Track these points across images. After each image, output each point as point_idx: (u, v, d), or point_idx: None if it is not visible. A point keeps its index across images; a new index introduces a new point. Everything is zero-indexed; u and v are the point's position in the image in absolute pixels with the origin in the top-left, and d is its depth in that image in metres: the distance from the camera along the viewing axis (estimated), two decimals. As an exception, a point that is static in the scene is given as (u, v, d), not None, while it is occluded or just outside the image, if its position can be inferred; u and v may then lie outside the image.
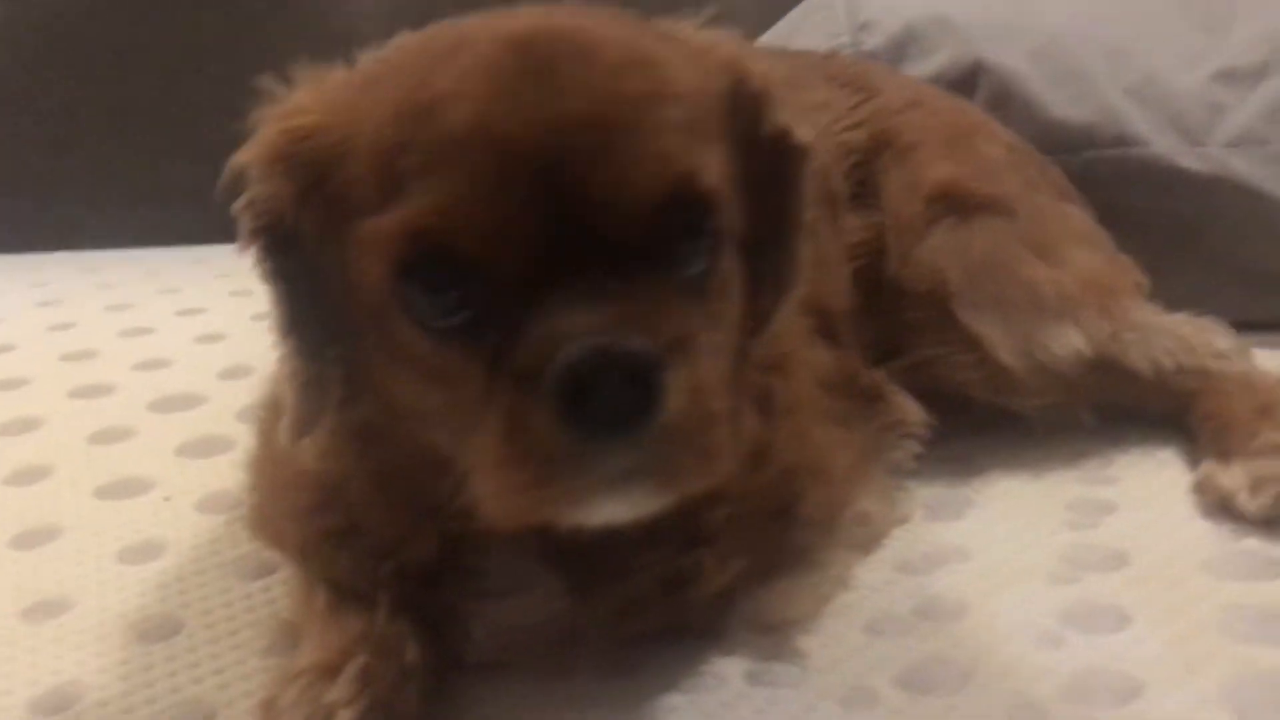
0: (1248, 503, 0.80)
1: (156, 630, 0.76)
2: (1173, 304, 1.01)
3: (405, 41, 0.63)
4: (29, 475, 0.98)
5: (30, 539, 0.88)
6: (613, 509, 0.57)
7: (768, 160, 0.66)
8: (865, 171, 0.96)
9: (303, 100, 0.63)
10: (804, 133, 0.67)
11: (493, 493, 0.57)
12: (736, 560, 0.70)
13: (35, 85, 1.73)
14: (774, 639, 0.72)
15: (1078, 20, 1.18)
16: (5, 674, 0.72)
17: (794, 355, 0.78)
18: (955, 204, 0.94)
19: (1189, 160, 1.10)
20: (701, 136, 0.60)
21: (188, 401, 1.10)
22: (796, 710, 0.66)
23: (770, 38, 1.30)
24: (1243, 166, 1.09)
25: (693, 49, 0.64)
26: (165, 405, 1.09)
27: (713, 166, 0.60)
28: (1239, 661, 0.67)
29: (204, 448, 1.00)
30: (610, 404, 0.52)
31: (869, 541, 0.81)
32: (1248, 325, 1.07)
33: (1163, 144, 1.11)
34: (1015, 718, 0.64)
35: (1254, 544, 0.79)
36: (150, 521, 0.90)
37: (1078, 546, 0.80)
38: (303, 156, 0.61)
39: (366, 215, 0.58)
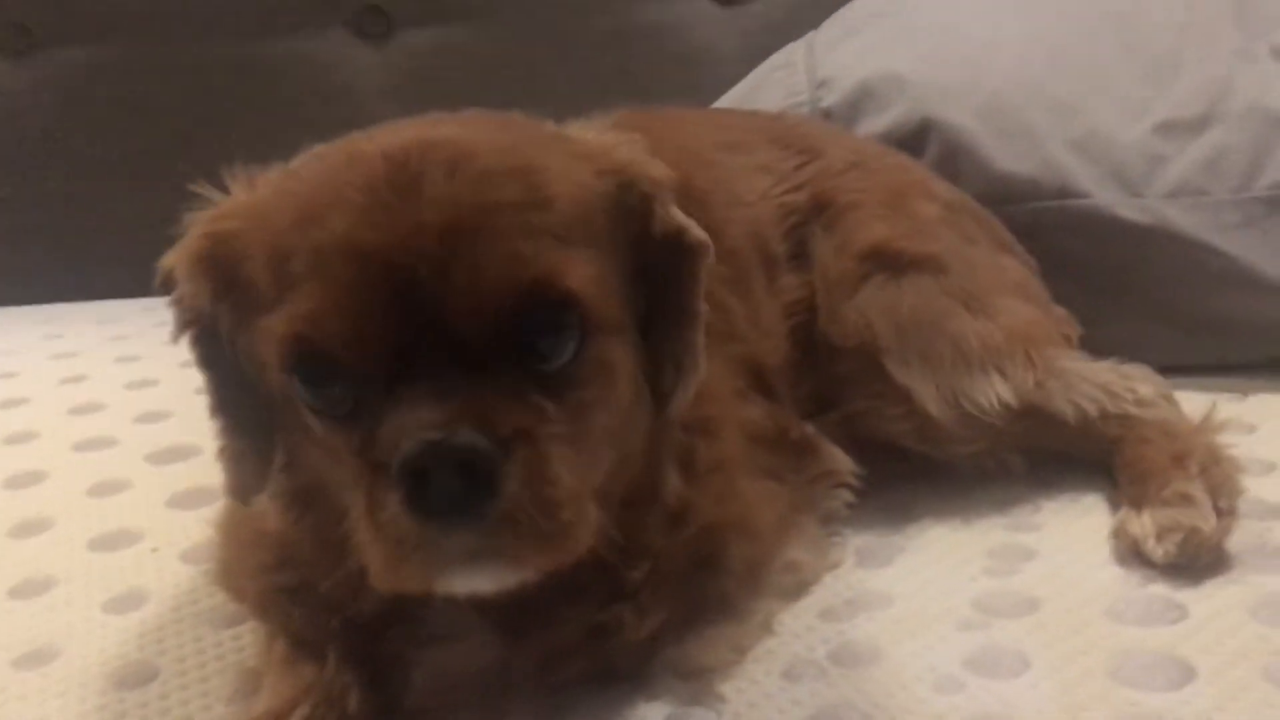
0: (1154, 549, 0.84)
1: (133, 677, 0.83)
2: (1112, 348, 1.06)
3: (318, 151, 0.70)
4: (32, 528, 1.05)
5: (27, 589, 0.95)
6: (468, 583, 0.64)
7: (662, 256, 0.72)
8: (805, 232, 1.02)
9: (224, 207, 0.70)
10: (696, 233, 0.73)
11: (369, 563, 0.63)
12: (656, 613, 0.76)
13: (54, 142, 1.81)
14: (696, 684, 0.77)
15: (1026, 76, 1.23)
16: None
17: (721, 415, 0.84)
18: (886, 262, 0.99)
19: (1128, 211, 1.15)
20: (570, 239, 0.65)
21: (182, 453, 1.16)
22: (706, 752, 0.71)
23: (735, 93, 1.36)
24: (1179, 216, 1.13)
25: (579, 154, 0.70)
26: (161, 457, 1.16)
27: (579, 267, 0.65)
28: (1122, 704, 0.72)
29: (193, 499, 1.07)
30: (445, 493, 0.59)
31: (797, 589, 0.87)
32: (1184, 369, 1.13)
33: (1103, 195, 1.15)
34: (905, 760, 0.69)
35: (1159, 589, 0.83)
36: (136, 572, 0.96)
37: (992, 593, 0.85)
38: (219, 259, 0.68)
39: (264, 312, 0.65)
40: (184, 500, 1.07)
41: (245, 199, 0.70)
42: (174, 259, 0.70)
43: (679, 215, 0.73)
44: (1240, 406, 1.09)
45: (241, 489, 0.73)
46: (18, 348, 1.53)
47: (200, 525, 1.01)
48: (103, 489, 1.11)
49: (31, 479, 1.14)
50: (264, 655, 0.78)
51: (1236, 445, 0.96)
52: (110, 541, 1.01)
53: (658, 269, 0.72)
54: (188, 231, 0.70)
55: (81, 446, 1.21)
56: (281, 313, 0.63)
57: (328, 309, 0.62)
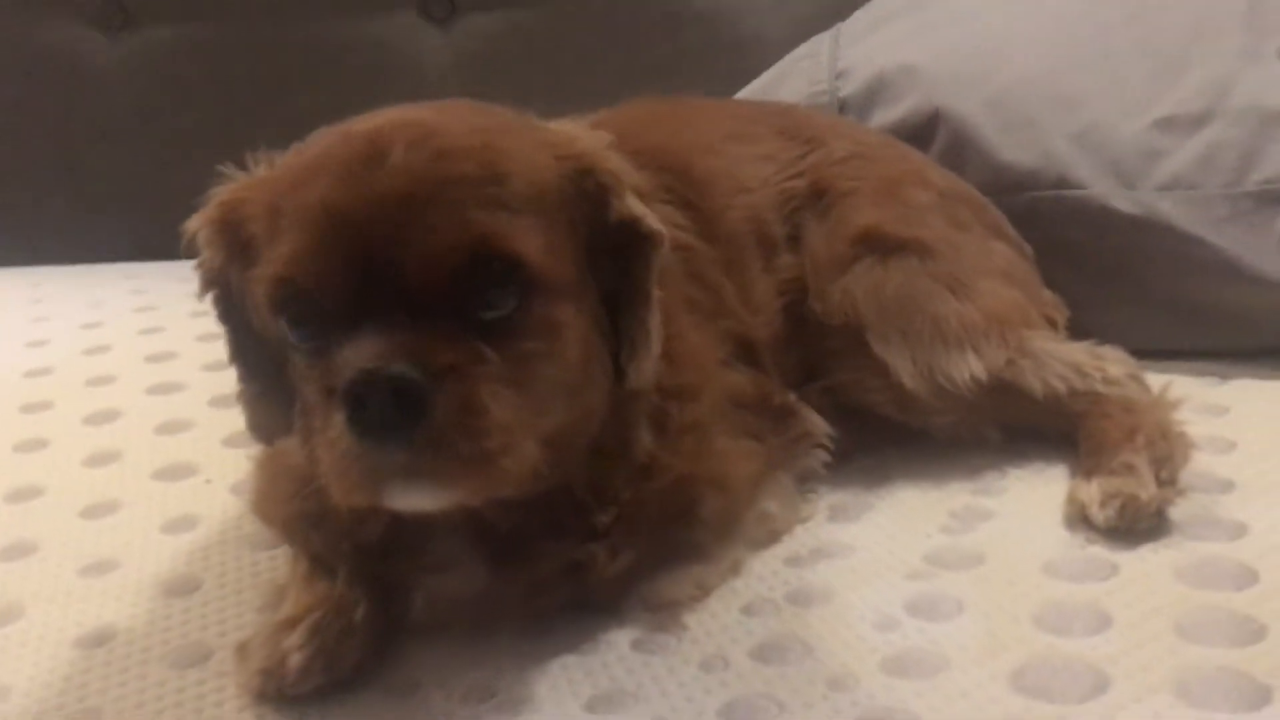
0: (1096, 514, 0.91)
1: (181, 587, 0.95)
2: (1104, 332, 1.12)
3: (322, 131, 0.81)
4: (105, 458, 1.18)
5: (97, 510, 1.08)
6: (407, 499, 0.74)
7: (618, 241, 0.81)
8: (802, 216, 1.10)
9: (239, 181, 0.82)
10: (651, 223, 0.82)
11: (326, 479, 0.74)
12: (627, 553, 0.85)
13: (144, 113, 1.96)
14: (665, 615, 0.87)
15: (1038, 70, 1.29)
16: (59, 617, 0.91)
17: (701, 382, 0.93)
18: (875, 245, 1.06)
19: (1121, 202, 1.20)
20: (520, 210, 0.75)
21: (241, 399, 1.29)
22: (661, 671, 0.80)
23: (761, 80, 1.43)
24: (1171, 209, 1.19)
25: (542, 142, 0.80)
26: (222, 402, 1.27)
27: (524, 233, 0.74)
28: (1040, 647, 0.79)
29: (245, 439, 1.17)
30: (378, 414, 0.69)
31: (769, 539, 0.95)
32: (1170, 353, 1.19)
33: (1098, 187, 1.21)
34: (834, 685, 0.77)
35: (1098, 550, 0.90)
36: (192, 500, 1.09)
37: (944, 548, 0.92)
38: (230, 224, 0.81)
39: (258, 265, 0.77)
40: (237, 440, 1.18)
41: (259, 173, 0.82)
42: (194, 226, 0.83)
43: (636, 206, 0.82)
44: (1218, 390, 1.14)
45: (257, 427, 0.87)
46: (105, 299, 1.68)
47: (249, 462, 1.14)
48: (169, 427, 1.24)
49: (107, 417, 1.28)
50: (290, 572, 0.90)
51: (1194, 423, 1.02)
52: (171, 473, 1.14)
53: (619, 253, 0.81)
54: (208, 203, 0.82)
55: (154, 390, 1.34)
56: (269, 258, 0.75)
57: (302, 254, 0.73)
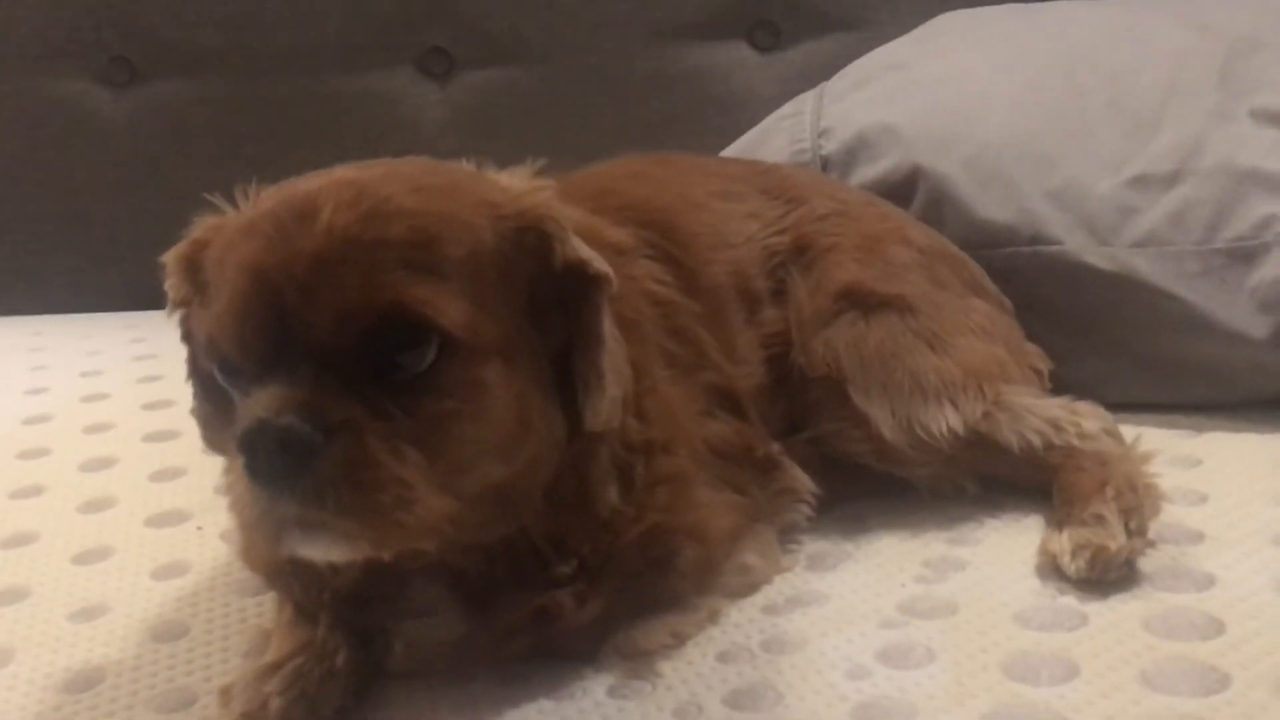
0: (1068, 565, 0.92)
1: (168, 633, 0.96)
2: (1080, 385, 1.15)
3: (280, 184, 0.84)
4: (99, 505, 1.20)
5: (89, 557, 1.10)
6: (306, 549, 0.76)
7: (567, 287, 0.83)
8: (785, 272, 1.13)
9: (209, 221, 0.86)
10: (598, 265, 0.84)
11: (241, 524, 0.78)
12: (595, 602, 0.87)
13: (150, 166, 2.00)
14: (640, 663, 0.88)
15: (1015, 130, 1.32)
16: (47, 660, 0.93)
17: (676, 435, 0.95)
18: (858, 301, 1.08)
19: (1095, 258, 1.23)
20: (441, 274, 0.77)
21: (235, 447, 1.32)
22: (635, 717, 0.82)
23: (747, 138, 1.47)
24: (1145, 265, 1.21)
25: (480, 202, 0.82)
26: (216, 450, 1.31)
27: (441, 298, 0.76)
28: (1006, 695, 0.81)
29: (238, 487, 1.21)
30: (266, 463, 0.72)
31: (748, 590, 0.97)
32: (1149, 407, 1.21)
33: (1073, 243, 1.24)
34: (804, 732, 0.79)
35: (1068, 600, 0.91)
36: (183, 546, 1.11)
37: (918, 598, 0.94)
38: (194, 261, 0.85)
39: (206, 308, 0.81)
40: (230, 488, 1.21)
41: (221, 218, 0.86)
42: (168, 256, 0.88)
43: (582, 250, 0.84)
44: (1192, 442, 1.17)
45: (210, 442, 0.92)
46: (104, 348, 1.71)
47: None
48: (164, 474, 1.26)
49: (103, 464, 1.30)
50: (274, 618, 0.92)
51: (1167, 475, 1.04)
52: (164, 519, 1.16)
53: (563, 300, 0.83)
54: (184, 236, 0.87)
55: (150, 437, 1.37)
56: (206, 313, 0.80)
57: (225, 317, 0.77)
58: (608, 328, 0.84)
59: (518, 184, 0.86)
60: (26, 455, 1.34)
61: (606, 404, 0.83)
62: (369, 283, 0.75)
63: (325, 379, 0.75)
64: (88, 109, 2.00)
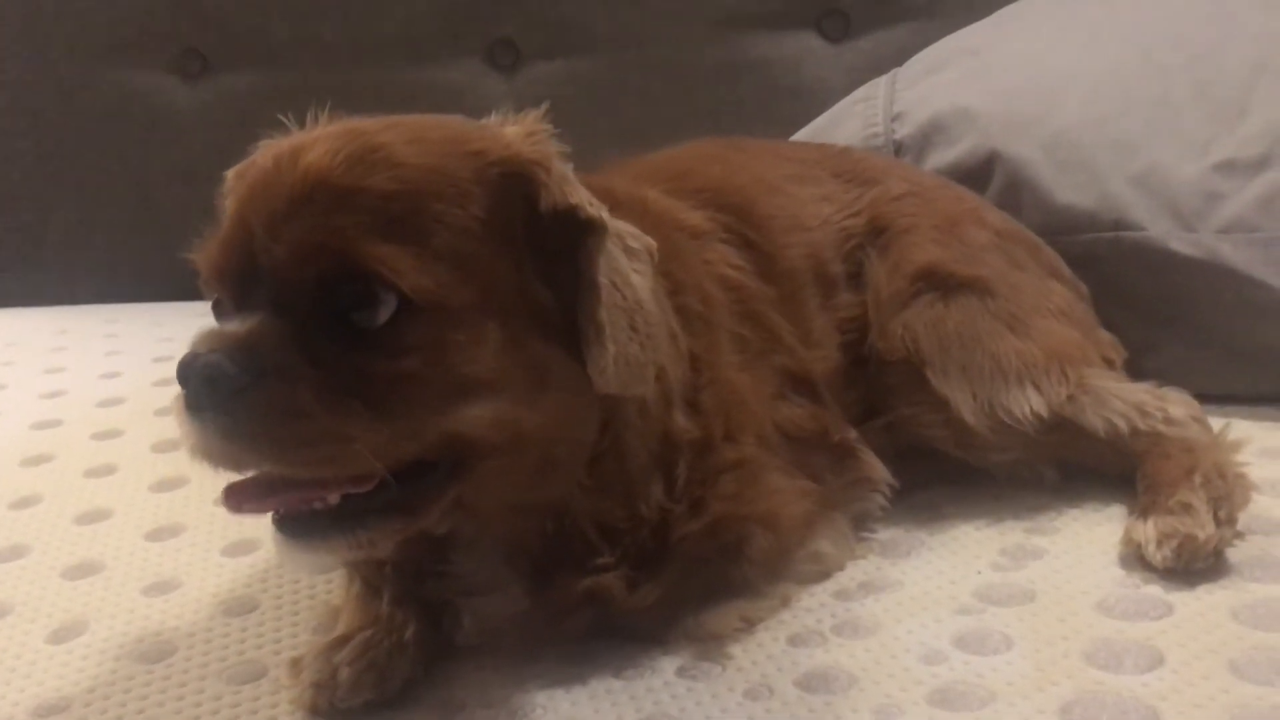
0: (1153, 554, 0.90)
1: (239, 607, 0.97)
2: (1162, 374, 1.11)
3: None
4: (170, 484, 1.21)
5: (162, 534, 1.11)
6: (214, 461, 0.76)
7: (558, 234, 0.80)
8: (862, 254, 1.10)
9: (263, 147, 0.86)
10: (589, 210, 0.80)
11: None
12: (650, 588, 0.86)
13: (221, 156, 2.01)
14: (710, 645, 0.87)
15: (1095, 113, 1.29)
16: (121, 633, 0.94)
17: (745, 420, 0.93)
18: (936, 282, 1.06)
19: (1180, 244, 1.19)
20: (417, 230, 0.75)
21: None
22: (705, 697, 0.81)
23: (818, 123, 1.45)
24: (1231, 252, 1.18)
25: (470, 152, 0.79)
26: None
27: (406, 258, 0.74)
28: (1088, 682, 0.78)
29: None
30: (192, 395, 0.73)
31: (820, 577, 0.95)
32: (1233, 397, 1.17)
33: (1157, 229, 1.20)
34: (879, 715, 0.77)
35: (1153, 589, 0.89)
36: (253, 524, 1.11)
37: (994, 585, 0.92)
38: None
39: None
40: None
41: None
42: (230, 173, 0.90)
43: (572, 194, 0.80)
44: (1278, 433, 1.13)
45: None
46: (176, 335, 1.72)
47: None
48: (163, 485, 1.22)
49: (175, 445, 1.30)
50: (343, 594, 0.92)
51: (1254, 465, 1.00)
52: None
53: (554, 248, 0.80)
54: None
55: (157, 448, 1.32)
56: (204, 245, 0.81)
57: (211, 248, 0.80)
58: (605, 276, 0.80)
59: (505, 131, 0.83)
60: (100, 436, 1.36)
61: (611, 363, 0.78)
62: (327, 224, 0.75)
63: (279, 323, 0.74)
64: (160, 100, 2.03)
